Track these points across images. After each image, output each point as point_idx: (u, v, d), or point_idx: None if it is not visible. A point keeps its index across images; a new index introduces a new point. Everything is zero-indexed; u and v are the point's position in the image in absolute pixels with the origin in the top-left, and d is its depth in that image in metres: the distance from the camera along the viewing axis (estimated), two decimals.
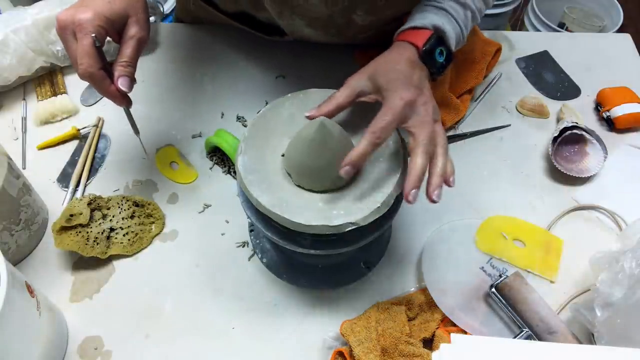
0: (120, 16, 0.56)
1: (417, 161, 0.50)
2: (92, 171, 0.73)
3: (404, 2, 0.72)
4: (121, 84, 0.57)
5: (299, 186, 0.54)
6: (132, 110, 0.64)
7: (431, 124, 0.53)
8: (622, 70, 0.87)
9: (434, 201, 0.51)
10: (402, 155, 0.54)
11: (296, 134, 0.53)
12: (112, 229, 0.65)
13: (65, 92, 0.81)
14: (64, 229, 0.63)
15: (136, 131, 0.66)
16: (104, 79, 0.56)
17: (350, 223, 0.50)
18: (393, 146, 0.55)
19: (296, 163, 0.53)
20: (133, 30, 0.57)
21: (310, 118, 0.53)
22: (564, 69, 0.87)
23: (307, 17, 0.72)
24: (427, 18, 0.58)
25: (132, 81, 0.58)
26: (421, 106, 0.53)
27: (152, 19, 0.90)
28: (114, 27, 0.57)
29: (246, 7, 0.80)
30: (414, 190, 0.50)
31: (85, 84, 0.83)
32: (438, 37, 0.58)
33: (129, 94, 0.60)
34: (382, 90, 0.53)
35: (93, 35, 0.54)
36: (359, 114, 0.58)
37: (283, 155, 0.55)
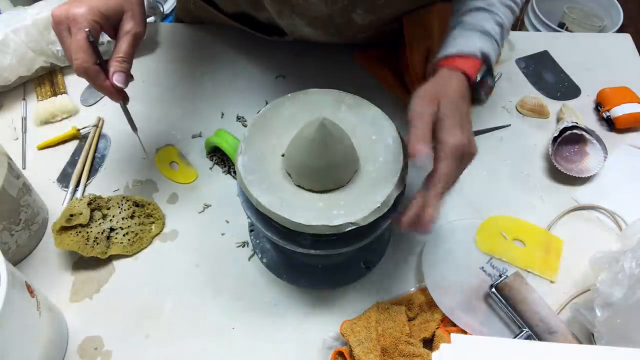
0: (115, 11, 0.56)
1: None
2: (92, 171, 0.73)
3: (403, 1, 0.72)
4: (116, 79, 0.56)
5: (299, 186, 0.54)
6: (132, 109, 0.64)
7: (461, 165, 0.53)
8: (622, 70, 0.87)
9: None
10: (402, 155, 0.54)
11: (296, 134, 0.53)
12: (112, 229, 0.65)
13: (65, 92, 0.81)
14: (64, 229, 0.63)
15: (134, 128, 0.65)
16: (99, 73, 0.55)
17: (350, 223, 0.50)
18: (393, 146, 0.55)
19: (296, 163, 0.53)
20: (128, 26, 0.57)
21: (415, 160, 0.50)
22: (564, 69, 0.87)
23: (307, 16, 0.72)
24: (475, 45, 0.57)
25: (128, 77, 0.58)
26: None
27: (152, 19, 0.90)
28: (109, 22, 0.56)
29: (246, 7, 0.80)
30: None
31: (86, 83, 0.83)
32: (487, 64, 0.57)
33: (125, 90, 0.59)
34: (438, 125, 0.52)
35: (87, 30, 0.53)
36: (358, 114, 0.58)
37: (283, 155, 0.55)
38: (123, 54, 0.56)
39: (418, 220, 0.51)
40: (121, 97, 0.59)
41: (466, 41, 0.58)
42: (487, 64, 0.58)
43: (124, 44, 0.57)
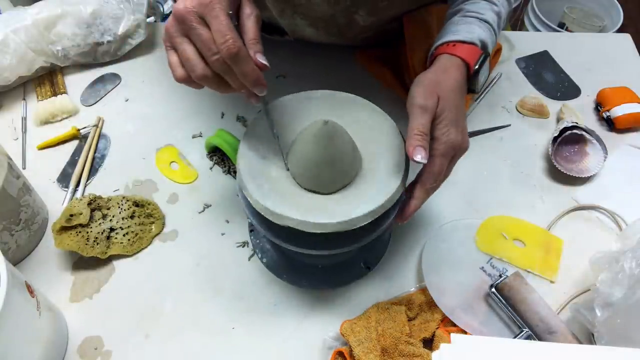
0: None
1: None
2: (92, 171, 0.73)
3: (405, 2, 0.72)
4: (260, 58, 0.48)
5: (300, 187, 0.54)
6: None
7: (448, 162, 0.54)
8: (622, 70, 0.87)
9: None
10: (404, 156, 0.54)
11: (299, 135, 0.53)
12: (112, 229, 0.65)
13: (65, 92, 0.81)
14: (64, 229, 0.63)
15: (275, 134, 0.55)
16: (249, 56, 0.47)
17: (351, 222, 0.50)
18: (395, 145, 0.55)
19: (299, 164, 0.53)
20: (249, 9, 0.50)
21: (413, 157, 0.50)
22: (564, 69, 0.87)
23: (309, 16, 0.72)
24: (474, 32, 0.57)
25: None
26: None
27: (152, 19, 0.90)
28: (234, 6, 0.49)
29: None
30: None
31: (85, 83, 0.83)
32: (485, 53, 0.57)
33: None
34: (436, 121, 0.52)
35: (230, 12, 0.47)
36: (360, 114, 0.58)
37: (284, 156, 0.55)
38: (253, 36, 0.49)
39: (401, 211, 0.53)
40: (264, 86, 0.50)
41: (467, 28, 0.58)
42: (485, 53, 0.58)
43: (251, 27, 0.49)
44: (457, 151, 0.53)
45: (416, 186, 0.54)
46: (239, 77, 0.47)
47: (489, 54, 0.59)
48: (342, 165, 0.52)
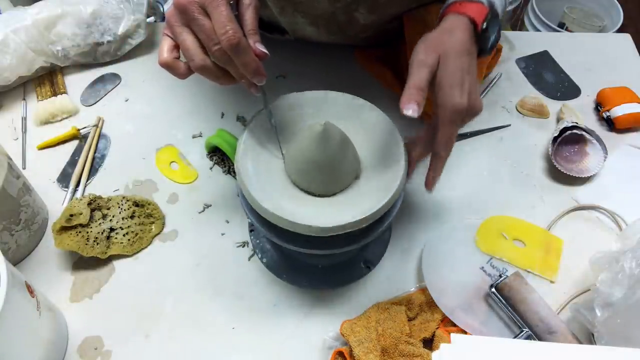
0: None
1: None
2: (92, 171, 0.73)
3: (406, 1, 0.72)
4: (260, 47, 0.49)
5: (299, 188, 0.54)
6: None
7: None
8: (622, 70, 0.87)
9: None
10: (403, 156, 0.54)
11: (298, 137, 0.53)
12: (112, 229, 0.65)
13: (65, 92, 0.81)
14: (64, 229, 0.63)
15: (273, 125, 0.56)
16: (249, 46, 0.48)
17: (350, 223, 0.50)
18: (394, 147, 0.55)
19: (297, 166, 0.53)
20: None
21: (403, 110, 0.49)
22: (564, 69, 0.87)
23: (309, 14, 0.72)
24: None
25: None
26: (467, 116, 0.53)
27: (151, 19, 0.90)
28: None
29: None
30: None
31: (85, 83, 0.83)
32: (493, 13, 0.55)
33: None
34: (438, 85, 0.51)
35: (231, 2, 0.47)
36: (360, 116, 0.58)
37: (283, 157, 0.55)
38: (252, 26, 0.50)
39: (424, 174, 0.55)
40: (264, 76, 0.51)
41: None
42: (493, 13, 0.56)
43: (249, 17, 0.49)
44: (465, 115, 0.51)
45: (432, 158, 0.53)
46: (239, 67, 0.48)
47: (497, 14, 0.56)
48: (340, 169, 0.52)
